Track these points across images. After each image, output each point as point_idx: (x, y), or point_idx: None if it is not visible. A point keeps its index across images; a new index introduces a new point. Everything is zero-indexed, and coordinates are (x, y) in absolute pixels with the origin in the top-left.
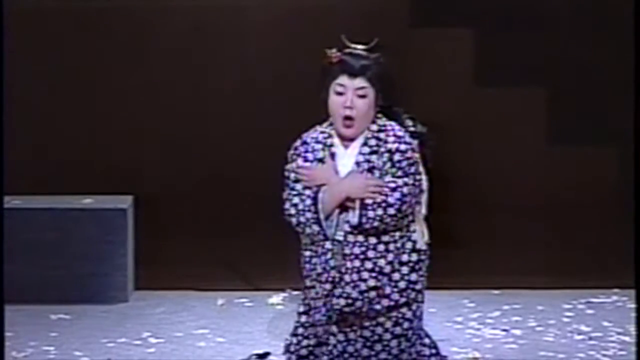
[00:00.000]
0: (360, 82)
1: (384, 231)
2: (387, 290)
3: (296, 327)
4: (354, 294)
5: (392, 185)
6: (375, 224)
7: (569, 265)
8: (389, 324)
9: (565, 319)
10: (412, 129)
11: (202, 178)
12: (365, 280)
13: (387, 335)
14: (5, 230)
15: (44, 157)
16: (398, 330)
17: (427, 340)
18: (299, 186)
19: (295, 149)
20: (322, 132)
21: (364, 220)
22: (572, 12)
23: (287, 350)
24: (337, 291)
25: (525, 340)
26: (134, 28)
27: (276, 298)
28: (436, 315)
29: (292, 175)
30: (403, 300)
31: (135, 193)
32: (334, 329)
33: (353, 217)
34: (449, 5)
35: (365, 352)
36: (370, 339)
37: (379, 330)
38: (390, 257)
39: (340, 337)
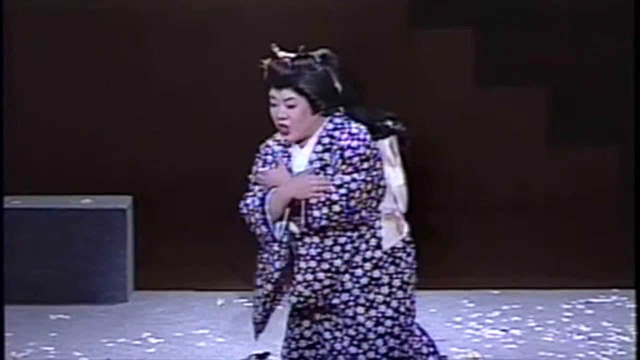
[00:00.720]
0: (287, 93)
1: (342, 229)
2: (348, 285)
3: (285, 330)
4: (306, 293)
5: (338, 182)
6: (323, 222)
7: (569, 265)
8: (370, 324)
9: (565, 319)
10: (392, 127)
11: (202, 178)
12: (320, 281)
13: (371, 335)
14: (5, 230)
15: (43, 157)
16: (381, 329)
17: (424, 338)
18: (257, 188)
19: (258, 151)
20: None
21: (310, 220)
22: (572, 13)
23: (281, 353)
24: (290, 289)
25: (525, 340)
26: (134, 29)
27: None
28: (436, 315)
29: (252, 177)
30: (364, 296)
31: (135, 193)
32: (320, 328)
33: (300, 218)
34: (449, 5)
35: (352, 349)
36: (355, 337)
37: (362, 329)
38: (346, 256)
39: (327, 335)
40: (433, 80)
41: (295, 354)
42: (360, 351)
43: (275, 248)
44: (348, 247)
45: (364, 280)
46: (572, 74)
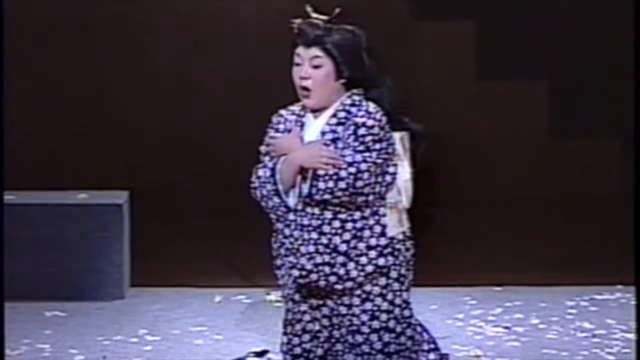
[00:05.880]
0: (314, 51)
1: (340, 206)
2: (354, 273)
3: (285, 326)
4: (308, 266)
5: (349, 159)
6: (326, 196)
7: (572, 261)
8: (365, 317)
9: (568, 316)
10: (406, 122)
11: (199, 174)
12: (321, 254)
13: (365, 329)
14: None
15: (39, 152)
16: (376, 324)
17: (425, 335)
18: (267, 159)
19: (270, 122)
20: (300, 105)
21: (313, 191)
22: (574, 5)
23: (281, 350)
24: (293, 262)
25: (528, 337)
26: (133, 25)
27: (274, 295)
28: (438, 313)
29: (263, 148)
30: (367, 282)
31: (131, 188)
32: (318, 314)
33: (305, 187)
34: None
35: (350, 339)
36: (349, 328)
37: (356, 321)
38: (346, 236)
39: (325, 322)
40: (434, 74)
41: (298, 350)
42: (356, 343)
43: (291, 217)
44: (348, 225)
45: (369, 268)
46: (574, 67)
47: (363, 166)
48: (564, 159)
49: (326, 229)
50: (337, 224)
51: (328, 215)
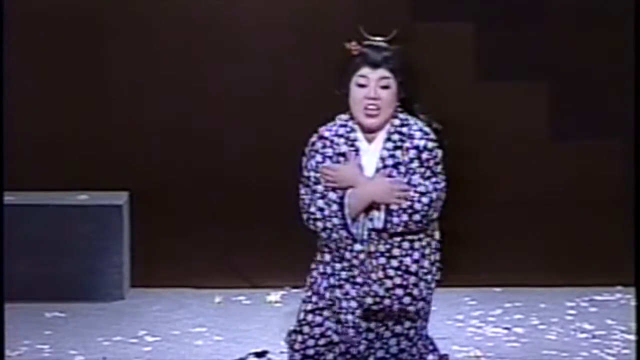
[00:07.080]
0: (382, 72)
1: (409, 232)
2: (424, 293)
3: (301, 325)
4: (381, 292)
5: (422, 189)
6: (399, 229)
7: (572, 262)
8: (389, 322)
9: (568, 317)
10: (430, 126)
11: (199, 174)
12: (391, 278)
13: (387, 333)
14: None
15: (39, 152)
16: (398, 328)
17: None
18: (320, 188)
19: (313, 144)
20: (343, 126)
21: (388, 225)
22: (575, 7)
23: (291, 347)
24: (365, 290)
25: (528, 338)
26: (133, 25)
27: (274, 296)
28: (437, 313)
29: (312, 175)
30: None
31: (131, 189)
32: (339, 328)
33: (378, 222)
34: None
35: (365, 352)
36: (372, 339)
37: (381, 330)
38: (416, 255)
39: (363, 344)
40: (434, 74)
41: (311, 351)
42: (372, 351)
43: (358, 248)
44: (416, 245)
45: (433, 285)
46: (574, 68)
47: (435, 195)
48: (564, 159)
49: (396, 252)
50: (406, 244)
51: (397, 238)
